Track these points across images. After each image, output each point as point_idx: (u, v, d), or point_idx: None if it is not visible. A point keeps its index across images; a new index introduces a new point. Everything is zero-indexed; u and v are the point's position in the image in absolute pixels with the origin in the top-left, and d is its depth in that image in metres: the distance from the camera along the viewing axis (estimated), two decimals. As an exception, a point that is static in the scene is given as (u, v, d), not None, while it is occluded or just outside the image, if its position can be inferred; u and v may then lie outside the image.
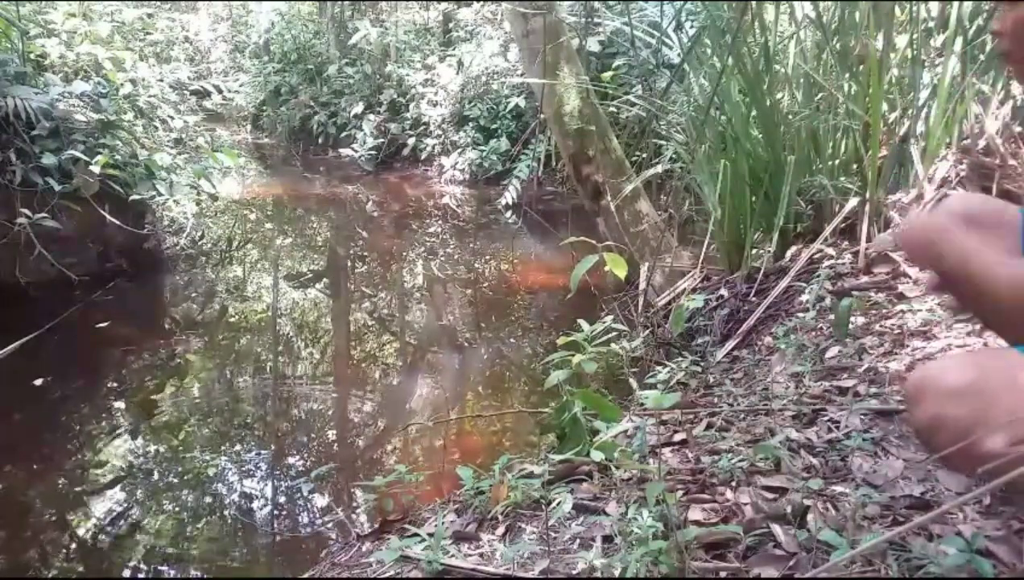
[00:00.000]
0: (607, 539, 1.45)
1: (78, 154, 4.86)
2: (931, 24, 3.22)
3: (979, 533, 1.14)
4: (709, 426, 1.91)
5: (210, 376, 4.09)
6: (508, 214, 7.81)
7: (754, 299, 2.99)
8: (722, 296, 3.21)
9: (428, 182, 9.51)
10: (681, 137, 3.89)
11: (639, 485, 1.62)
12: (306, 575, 1.98)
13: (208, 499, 2.92)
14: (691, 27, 4.86)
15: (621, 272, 2.07)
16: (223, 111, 12.77)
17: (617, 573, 1.27)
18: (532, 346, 4.49)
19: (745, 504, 1.44)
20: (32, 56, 5.37)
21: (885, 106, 3.11)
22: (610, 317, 2.46)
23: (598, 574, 1.29)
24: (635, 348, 2.98)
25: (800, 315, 2.49)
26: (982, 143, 3.03)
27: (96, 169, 4.83)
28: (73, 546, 2.63)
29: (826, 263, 2.84)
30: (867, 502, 1.35)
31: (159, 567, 2.53)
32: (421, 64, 10.35)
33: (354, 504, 2.89)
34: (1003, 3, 1.21)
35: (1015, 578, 1.13)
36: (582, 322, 2.14)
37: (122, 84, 5.75)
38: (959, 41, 2.89)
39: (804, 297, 2.71)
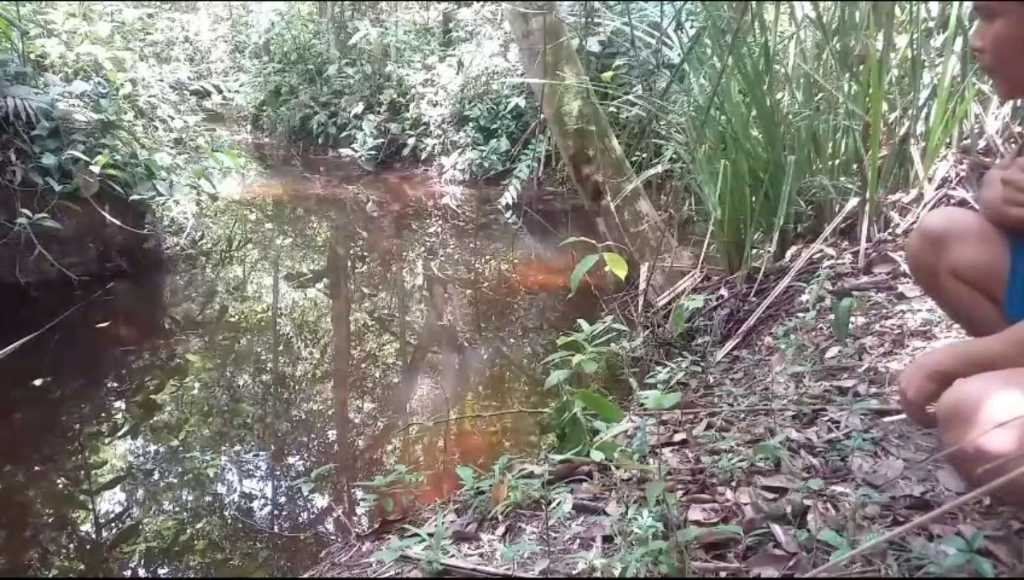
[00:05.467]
0: (607, 539, 1.45)
1: (78, 154, 4.86)
2: (931, 24, 3.22)
3: (979, 533, 1.14)
4: (709, 426, 1.91)
5: (210, 376, 4.09)
6: (508, 214, 7.81)
7: (754, 299, 2.98)
8: (722, 296, 3.21)
9: (428, 182, 9.50)
10: (681, 137, 3.89)
11: (639, 485, 1.62)
12: (306, 575, 1.98)
13: (208, 499, 2.92)
14: (691, 27, 4.87)
15: (621, 272, 2.06)
16: (223, 111, 12.76)
17: (617, 573, 1.26)
18: (532, 346, 4.49)
19: (745, 504, 1.44)
20: (32, 56, 5.37)
21: (885, 106, 3.11)
22: (610, 317, 2.46)
23: (598, 574, 1.29)
24: (635, 348, 2.98)
25: (800, 315, 2.49)
26: (982, 143, 3.03)
27: (96, 169, 4.83)
28: (73, 546, 2.63)
29: (826, 263, 2.84)
30: (867, 502, 1.35)
31: (159, 567, 2.53)
32: (421, 64, 10.34)
33: (354, 504, 2.89)
34: (982, 20, 1.23)
35: (1015, 578, 1.13)
36: (582, 322, 2.14)
37: (122, 84, 5.75)
38: (959, 41, 2.89)
39: (804, 297, 2.71)
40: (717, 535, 1.34)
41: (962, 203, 2.78)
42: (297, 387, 4.02)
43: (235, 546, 2.64)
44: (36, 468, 3.11)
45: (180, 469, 3.10)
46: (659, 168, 4.19)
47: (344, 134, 10.63)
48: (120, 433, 3.42)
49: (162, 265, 5.78)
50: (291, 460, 3.24)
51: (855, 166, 3.15)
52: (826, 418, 1.78)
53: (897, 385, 1.28)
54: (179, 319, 4.99)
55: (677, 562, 1.25)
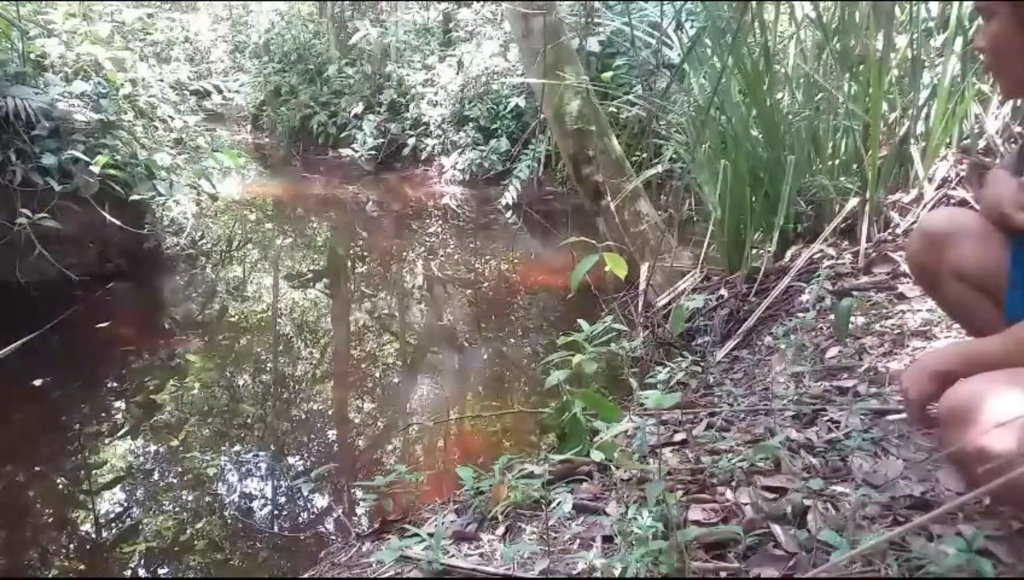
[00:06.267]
0: (607, 539, 1.45)
1: (78, 154, 4.86)
2: (931, 24, 3.22)
3: (979, 533, 1.13)
4: (709, 426, 1.91)
5: (210, 376, 4.09)
6: (508, 214, 7.81)
7: (754, 299, 2.98)
8: (722, 296, 3.21)
9: (428, 182, 9.50)
10: (681, 137, 3.89)
11: (639, 485, 1.62)
12: (306, 575, 1.98)
13: (208, 499, 2.92)
14: (691, 27, 4.87)
15: (621, 272, 2.06)
16: (223, 111, 12.74)
17: (617, 573, 1.26)
18: (532, 346, 4.49)
19: (745, 504, 1.44)
20: (32, 56, 5.36)
21: (885, 106, 3.11)
22: (610, 317, 2.46)
23: (598, 574, 1.29)
24: (635, 348, 2.97)
25: (800, 315, 2.49)
26: (982, 143, 3.03)
27: (96, 169, 4.83)
28: (73, 546, 2.63)
29: (826, 263, 2.84)
30: (867, 502, 1.35)
31: (159, 567, 2.53)
32: (421, 64, 10.34)
33: (354, 504, 2.89)
34: (983, 20, 1.23)
35: (1015, 578, 1.13)
36: (582, 322, 2.14)
37: (122, 84, 5.74)
38: (959, 41, 2.89)
39: (804, 297, 2.71)
40: (717, 535, 1.34)
41: (962, 203, 2.78)
42: (297, 387, 4.02)
43: (235, 546, 2.64)
44: (36, 468, 3.10)
45: (180, 469, 3.10)
46: (659, 168, 4.19)
47: (344, 134, 10.63)
48: (120, 433, 3.42)
49: (162, 265, 5.78)
50: (291, 460, 3.24)
51: (855, 166, 3.15)
52: (826, 418, 1.78)
53: (898, 385, 1.29)
54: (179, 319, 4.99)
55: (677, 562, 1.25)
